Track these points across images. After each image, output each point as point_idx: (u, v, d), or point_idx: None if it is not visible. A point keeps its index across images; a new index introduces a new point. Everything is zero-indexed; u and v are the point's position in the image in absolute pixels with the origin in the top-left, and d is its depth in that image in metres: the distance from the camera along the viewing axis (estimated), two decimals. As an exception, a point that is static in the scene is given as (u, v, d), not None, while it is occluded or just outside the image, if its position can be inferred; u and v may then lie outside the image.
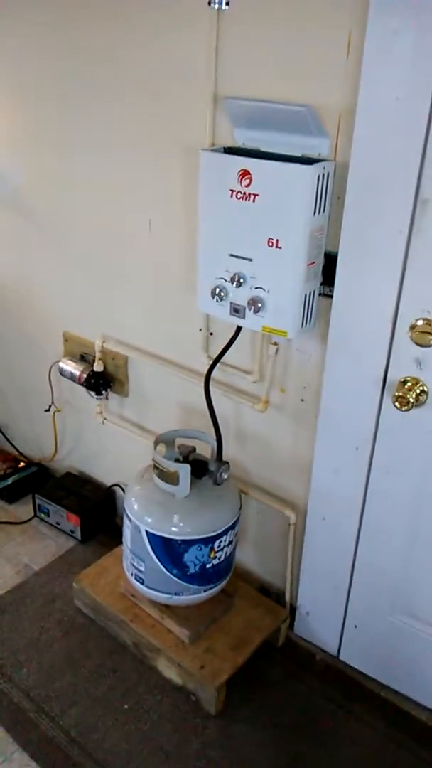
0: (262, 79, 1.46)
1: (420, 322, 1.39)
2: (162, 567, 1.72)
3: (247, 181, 1.43)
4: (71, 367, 2.20)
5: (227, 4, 1.45)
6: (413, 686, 1.77)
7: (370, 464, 1.60)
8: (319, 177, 1.36)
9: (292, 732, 1.71)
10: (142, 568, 1.76)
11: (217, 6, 1.46)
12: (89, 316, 2.16)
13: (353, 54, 1.30)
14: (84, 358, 2.22)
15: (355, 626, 1.82)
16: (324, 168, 1.37)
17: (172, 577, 1.73)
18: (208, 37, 1.49)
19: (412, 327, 1.40)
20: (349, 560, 1.75)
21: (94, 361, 2.14)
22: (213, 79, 1.53)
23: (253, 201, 1.43)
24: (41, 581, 2.14)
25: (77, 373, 2.17)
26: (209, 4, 1.46)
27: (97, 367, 2.14)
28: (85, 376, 2.15)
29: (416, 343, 1.41)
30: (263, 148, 1.49)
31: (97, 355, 2.12)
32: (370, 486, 1.63)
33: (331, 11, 1.31)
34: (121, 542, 1.87)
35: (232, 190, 1.45)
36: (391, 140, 1.28)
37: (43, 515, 2.38)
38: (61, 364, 2.23)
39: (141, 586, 1.80)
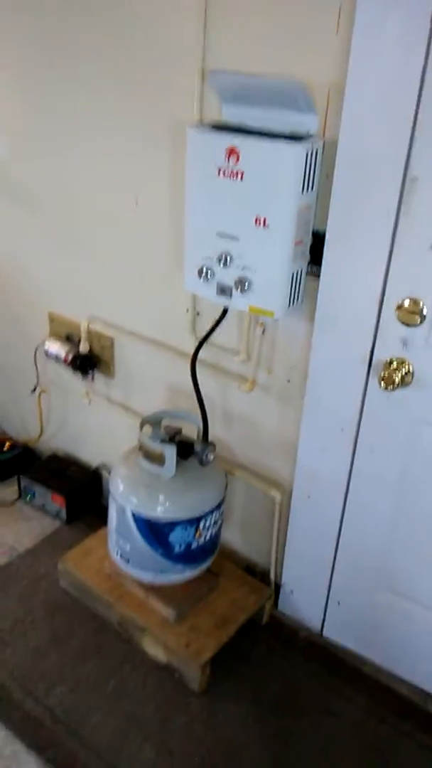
0: (251, 54, 1.44)
1: (407, 302, 1.39)
2: (147, 547, 1.72)
3: (235, 158, 1.41)
4: (57, 348, 2.18)
5: (216, -24, 1.42)
6: (394, 661, 1.80)
7: (355, 444, 1.61)
8: (307, 154, 1.35)
9: (276, 708, 1.73)
10: (128, 548, 1.76)
11: (205, -22, 1.43)
12: (75, 297, 2.14)
13: (343, 29, 1.29)
14: (70, 339, 2.20)
15: (339, 603, 1.84)
16: (312, 145, 1.35)
17: (158, 556, 1.73)
18: (197, 9, 1.47)
19: (399, 307, 1.40)
20: (333, 539, 1.77)
21: (79, 342, 2.13)
22: (201, 53, 1.50)
23: (241, 179, 1.42)
24: (26, 562, 2.14)
25: (63, 354, 2.16)
26: (197, -24, 1.43)
27: (83, 348, 2.12)
28: (70, 357, 2.14)
29: (403, 323, 1.41)
30: (251, 125, 1.47)
31: (83, 335, 2.10)
32: (354, 465, 1.64)
33: (321, -15, 1.30)
34: (106, 523, 1.87)
35: (219, 168, 1.44)
36: (380, 117, 1.28)
37: (28, 496, 2.37)
38: (46, 345, 2.21)
39: (126, 565, 1.80)
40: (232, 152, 1.41)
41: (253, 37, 1.43)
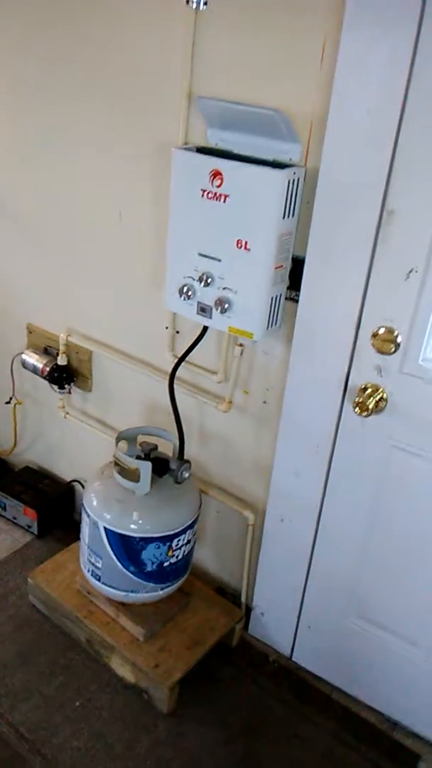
0: (238, 82, 1.47)
1: (381, 330, 1.41)
2: (119, 564, 1.71)
3: (219, 181, 1.43)
4: (34, 359, 2.17)
5: (205, 4, 1.45)
6: (363, 689, 1.80)
7: (329, 468, 1.62)
8: (289, 182, 1.37)
9: (244, 732, 1.72)
10: (99, 565, 1.75)
11: (195, 5, 1.46)
12: (54, 309, 2.14)
13: (327, 63, 1.32)
14: (48, 351, 2.19)
15: (309, 627, 1.84)
16: (294, 173, 1.38)
17: (129, 574, 1.72)
18: (185, 36, 1.49)
19: (374, 335, 1.42)
20: (305, 562, 1.77)
21: (57, 354, 2.12)
22: (188, 78, 1.53)
23: (224, 201, 1.44)
24: (-5, 576, 2.11)
25: (40, 366, 2.15)
26: (187, 2, 1.46)
27: (61, 360, 2.11)
28: (48, 369, 2.13)
29: (377, 351, 1.43)
30: (236, 150, 1.49)
31: (61, 348, 2.10)
32: (328, 489, 1.65)
33: (307, 21, 1.32)
34: (78, 538, 1.86)
35: (204, 190, 1.46)
36: (360, 150, 1.30)
37: (-1, 509, 2.35)
38: (24, 356, 2.20)
39: (97, 582, 1.78)
40: (216, 175, 1.43)
41: (239, 66, 1.45)
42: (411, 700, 1.71)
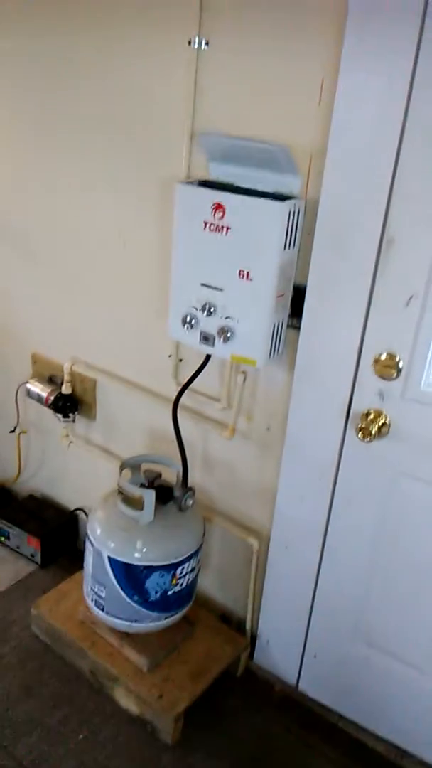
0: (239, 118, 1.51)
1: (383, 356, 1.43)
2: (123, 593, 1.71)
3: (221, 213, 1.46)
4: (39, 388, 2.19)
5: (207, 44, 1.50)
6: (370, 717, 1.78)
7: (333, 494, 1.63)
8: (289, 213, 1.41)
9: (250, 763, 1.70)
10: (103, 594, 1.74)
11: (196, 45, 1.51)
12: (59, 338, 2.16)
13: (325, 98, 1.36)
14: (52, 380, 2.21)
15: (315, 656, 1.82)
16: (295, 205, 1.42)
17: (133, 603, 1.71)
18: (187, 74, 1.54)
19: (376, 360, 1.44)
20: (310, 589, 1.76)
21: (62, 383, 2.14)
22: (191, 115, 1.57)
23: (226, 233, 1.47)
24: (-2, 606, 2.10)
25: (44, 395, 2.17)
26: (189, 43, 1.51)
27: (65, 389, 2.13)
28: (52, 398, 2.15)
29: (379, 376, 1.45)
30: (237, 183, 1.53)
31: (66, 377, 2.12)
32: (332, 515, 1.65)
33: (305, 61, 1.38)
34: (82, 567, 1.85)
35: (206, 222, 1.49)
36: (359, 182, 1.34)
37: (2, 538, 2.34)
38: (28, 386, 2.22)
39: (101, 612, 1.77)
40: (218, 207, 1.47)
41: (240, 102, 1.50)
42: (419, 727, 1.69)
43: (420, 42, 1.20)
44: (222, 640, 1.89)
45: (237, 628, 1.96)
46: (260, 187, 1.49)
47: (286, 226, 1.41)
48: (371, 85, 1.27)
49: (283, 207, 1.39)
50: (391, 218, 1.33)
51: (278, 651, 1.90)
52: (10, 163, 2.06)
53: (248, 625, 1.95)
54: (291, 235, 1.44)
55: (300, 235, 1.47)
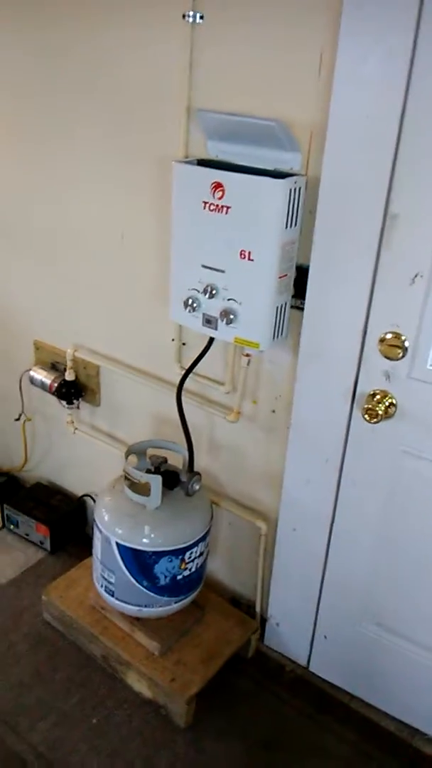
0: (236, 94, 1.47)
1: (389, 336, 1.41)
2: (132, 579, 1.71)
3: (220, 193, 1.43)
4: (42, 376, 2.18)
5: (201, 18, 1.46)
6: (381, 696, 1.78)
7: (340, 475, 1.62)
8: (290, 191, 1.37)
9: (262, 744, 1.71)
10: (113, 580, 1.74)
11: (191, 20, 1.47)
12: (61, 325, 2.14)
13: (325, 72, 1.32)
14: (55, 367, 2.20)
15: (325, 637, 1.83)
16: (295, 182, 1.38)
17: (143, 588, 1.72)
18: (182, 50, 1.50)
19: (381, 340, 1.42)
20: (318, 571, 1.76)
21: (65, 370, 2.13)
22: (187, 91, 1.53)
23: (226, 213, 1.44)
24: (9, 594, 2.11)
25: (48, 382, 2.15)
26: (183, 17, 1.47)
27: (69, 376, 2.12)
28: (56, 385, 2.13)
29: (385, 356, 1.42)
30: (236, 161, 1.50)
31: (69, 364, 2.10)
32: (339, 497, 1.64)
33: (304, 31, 1.33)
34: (91, 553, 1.85)
35: (205, 202, 1.46)
36: (361, 157, 1.30)
37: (11, 526, 2.34)
38: (31, 373, 2.20)
39: (111, 598, 1.78)
40: (217, 187, 1.44)
41: (238, 78, 1.46)
42: (430, 706, 1.69)
43: (421, 9, 1.16)
44: (232, 623, 1.89)
45: (247, 611, 1.97)
46: (260, 165, 1.46)
47: (287, 204, 1.38)
48: (371, 55, 1.23)
49: (283, 185, 1.36)
50: (394, 194, 1.30)
51: (288, 633, 1.90)
52: (4, 154, 2.02)
53: (258, 608, 1.95)
54: (292, 214, 1.41)
55: (302, 214, 1.44)
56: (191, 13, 1.46)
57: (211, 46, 1.47)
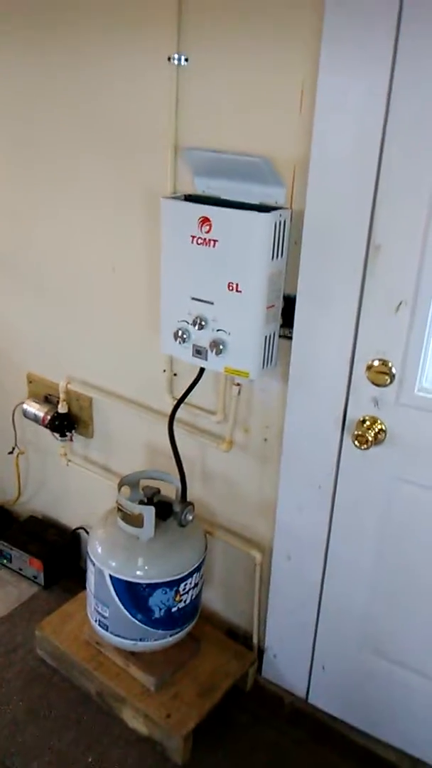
0: (221, 131, 1.52)
1: (376, 363, 1.43)
2: (126, 612, 1.69)
3: (207, 227, 1.46)
4: (35, 408, 2.19)
5: (186, 60, 1.51)
6: (381, 726, 1.75)
7: (333, 502, 1.62)
8: (275, 224, 1.41)
9: (261, 780, 1.68)
10: (107, 614, 1.73)
11: (176, 62, 1.52)
12: (54, 358, 2.16)
13: (306, 108, 1.37)
14: (48, 400, 2.21)
15: (323, 667, 1.81)
16: (280, 215, 1.41)
17: (137, 622, 1.70)
18: (169, 90, 1.55)
19: (369, 367, 1.44)
20: (315, 600, 1.75)
21: (58, 402, 2.13)
22: (173, 130, 1.58)
23: (214, 246, 1.47)
24: (2, 630, 2.08)
25: (41, 414, 2.16)
26: (169, 59, 1.52)
27: (62, 408, 2.13)
28: (49, 417, 2.14)
29: (373, 383, 1.44)
30: (223, 196, 1.53)
31: (62, 396, 2.11)
32: (333, 524, 1.64)
33: (284, 71, 1.38)
34: (85, 587, 1.84)
35: (193, 236, 1.49)
36: (343, 190, 1.34)
37: (4, 561, 2.32)
38: (24, 406, 2.21)
39: (105, 632, 1.76)
40: (204, 221, 1.47)
41: (222, 116, 1.50)
42: (430, 735, 1.67)
43: (396, 47, 1.21)
44: (229, 656, 1.87)
45: (244, 643, 1.95)
46: (246, 200, 1.50)
47: (272, 236, 1.41)
48: (350, 92, 1.27)
49: (268, 218, 1.39)
50: (376, 225, 1.33)
51: (286, 664, 1.88)
52: (2, 191, 2.07)
53: (255, 639, 1.93)
54: (278, 246, 1.44)
55: (287, 245, 1.47)
56: (176, 56, 1.51)
57: (196, 87, 1.52)
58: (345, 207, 1.35)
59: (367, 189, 1.31)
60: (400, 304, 1.35)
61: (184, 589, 1.71)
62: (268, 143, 1.45)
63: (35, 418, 2.18)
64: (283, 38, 1.36)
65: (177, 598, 1.70)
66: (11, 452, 2.37)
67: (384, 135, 1.27)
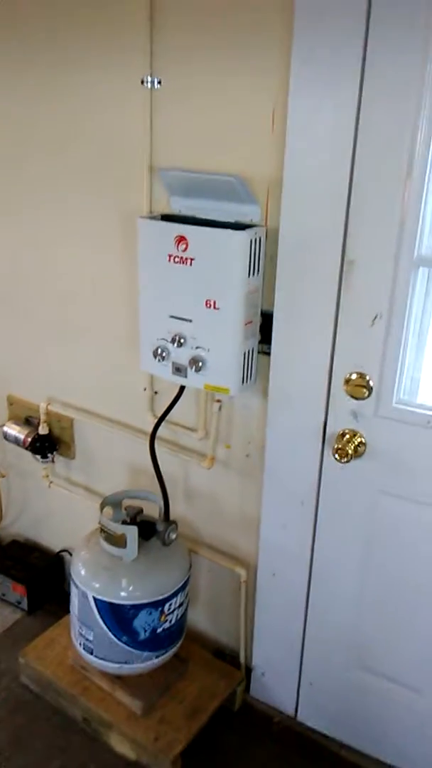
0: (195, 152, 1.54)
1: (354, 376, 1.44)
2: (111, 635, 1.67)
3: (184, 246, 1.48)
4: (16, 431, 2.17)
5: (159, 83, 1.54)
6: (372, 742, 1.74)
7: (316, 517, 1.62)
8: (251, 241, 1.42)
9: (252, 802, 1.65)
10: (91, 637, 1.70)
11: (149, 85, 1.54)
12: (34, 379, 2.15)
13: (278, 126, 1.39)
14: (29, 422, 2.19)
15: (311, 684, 1.79)
16: (256, 233, 1.43)
17: (122, 644, 1.68)
18: (143, 112, 1.57)
19: (347, 381, 1.45)
20: (301, 616, 1.74)
21: (39, 424, 2.12)
22: (148, 151, 1.60)
23: (190, 265, 1.48)
24: (-14, 658, 2.05)
25: (22, 437, 2.14)
26: (142, 82, 1.54)
27: (42, 430, 2.11)
28: (30, 439, 2.12)
29: (351, 396, 1.45)
30: (199, 215, 1.55)
31: (42, 417, 2.10)
32: (317, 539, 1.64)
33: (255, 91, 1.41)
34: (69, 610, 1.81)
35: (170, 255, 1.50)
36: (316, 207, 1.36)
37: (-13, 586, 2.29)
38: (5, 429, 2.19)
39: (90, 656, 1.73)
40: (181, 240, 1.48)
41: (196, 136, 1.53)
42: (421, 749, 1.66)
43: (363, 68, 1.24)
44: (216, 676, 1.85)
45: (231, 661, 1.93)
46: (221, 218, 1.51)
47: (248, 254, 1.43)
48: (320, 112, 1.30)
49: (244, 236, 1.41)
50: (349, 240, 1.35)
51: (274, 682, 1.86)
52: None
53: (242, 658, 1.91)
54: (254, 263, 1.45)
55: (263, 262, 1.48)
56: (149, 79, 1.54)
57: (169, 108, 1.55)
58: (319, 224, 1.37)
59: (340, 206, 1.33)
60: (376, 317, 1.37)
61: (169, 609, 1.69)
62: (241, 163, 1.47)
63: (16, 441, 2.16)
64: (254, 59, 1.39)
65: (162, 619, 1.69)
66: (-8, 476, 2.34)
67: (354, 152, 1.29)
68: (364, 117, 1.27)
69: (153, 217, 1.57)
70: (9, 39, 1.76)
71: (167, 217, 1.57)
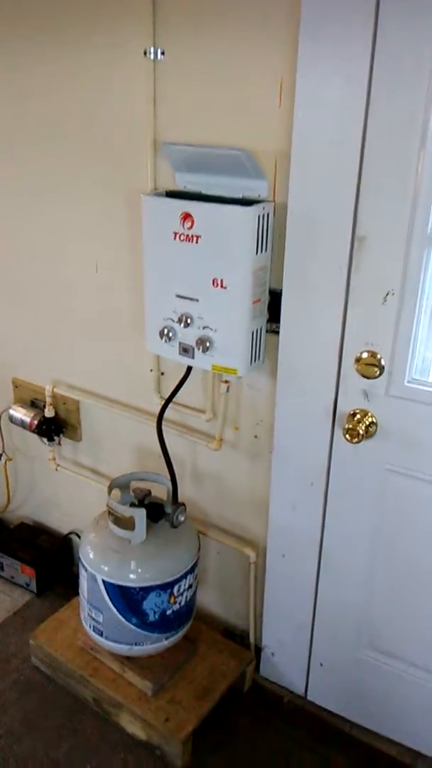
0: (201, 125, 1.50)
1: (365, 355, 1.41)
2: (120, 617, 1.67)
3: (189, 223, 1.44)
4: (21, 414, 2.15)
5: (162, 53, 1.49)
6: (381, 722, 1.74)
7: (326, 498, 1.60)
8: (258, 217, 1.39)
9: (263, 781, 1.66)
10: (100, 619, 1.70)
11: (152, 56, 1.49)
12: (39, 362, 2.13)
13: (285, 101, 1.35)
14: (35, 404, 2.18)
15: (321, 664, 1.79)
16: (263, 209, 1.40)
17: (132, 626, 1.68)
18: (146, 85, 1.53)
19: (358, 359, 1.42)
20: (310, 597, 1.73)
21: (45, 406, 2.10)
22: (152, 125, 1.56)
23: (196, 242, 1.45)
24: (-4, 640, 2.05)
25: (28, 419, 2.13)
26: (145, 54, 1.50)
27: (48, 412, 2.10)
28: (36, 422, 2.11)
29: (362, 375, 1.43)
30: (204, 191, 1.51)
31: (48, 400, 2.08)
32: (327, 520, 1.63)
33: (263, 63, 1.36)
34: (78, 593, 1.81)
35: (175, 233, 1.47)
36: (325, 181, 1.32)
37: (-4, 569, 2.29)
38: (11, 412, 2.18)
39: (100, 638, 1.73)
40: (186, 217, 1.45)
41: (201, 110, 1.48)
42: (430, 728, 1.66)
43: (375, 38, 1.19)
44: (226, 656, 1.85)
45: (241, 642, 1.93)
46: (228, 194, 1.47)
47: (256, 230, 1.39)
48: (329, 84, 1.25)
49: (251, 212, 1.37)
50: (360, 216, 1.31)
51: (284, 662, 1.87)
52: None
53: (252, 638, 1.91)
54: (262, 240, 1.42)
55: (271, 239, 1.45)
56: (152, 50, 1.49)
57: (174, 81, 1.50)
58: (328, 199, 1.33)
59: (350, 180, 1.30)
60: (388, 294, 1.34)
61: (178, 591, 1.68)
62: (248, 136, 1.43)
63: (22, 424, 2.15)
64: (260, 31, 1.34)
65: (171, 601, 1.68)
66: (-1, 459, 2.34)
67: (365, 126, 1.25)
68: (375, 88, 1.22)
69: (157, 194, 1.54)
70: (8, 11, 1.71)
71: (172, 194, 1.54)
